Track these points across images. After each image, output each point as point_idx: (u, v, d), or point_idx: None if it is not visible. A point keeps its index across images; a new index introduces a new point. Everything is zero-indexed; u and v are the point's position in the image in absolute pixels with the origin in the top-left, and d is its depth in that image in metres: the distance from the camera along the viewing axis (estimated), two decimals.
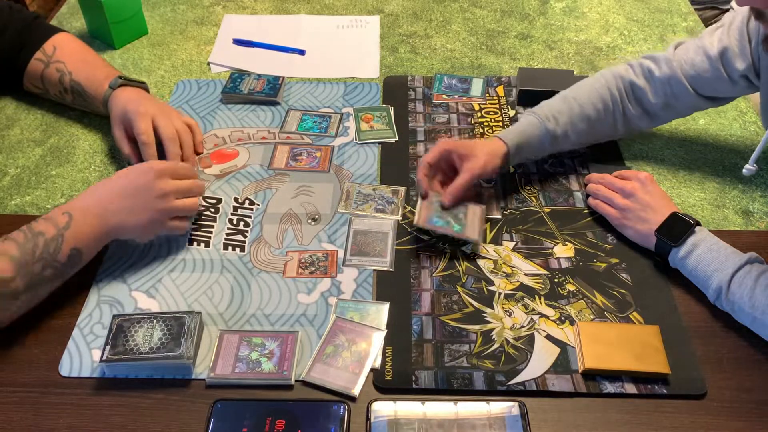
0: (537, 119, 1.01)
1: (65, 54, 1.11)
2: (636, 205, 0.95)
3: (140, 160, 1.01)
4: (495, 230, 0.98)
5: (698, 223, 0.91)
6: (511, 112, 1.19)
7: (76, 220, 0.83)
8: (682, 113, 1.08)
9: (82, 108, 1.14)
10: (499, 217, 1.00)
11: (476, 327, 0.86)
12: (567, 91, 1.05)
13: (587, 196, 1.02)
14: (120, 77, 1.07)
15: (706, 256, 0.87)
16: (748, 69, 0.96)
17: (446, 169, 0.99)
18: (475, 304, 0.89)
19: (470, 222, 0.95)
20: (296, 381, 0.80)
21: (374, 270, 0.93)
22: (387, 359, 0.82)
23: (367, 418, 0.76)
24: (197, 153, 1.09)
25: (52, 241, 0.81)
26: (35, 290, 0.81)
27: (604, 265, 0.94)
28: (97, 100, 1.08)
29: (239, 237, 0.97)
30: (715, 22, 1.72)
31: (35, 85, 1.14)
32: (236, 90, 1.20)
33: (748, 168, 0.98)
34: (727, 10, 1.74)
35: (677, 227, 0.91)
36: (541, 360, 0.83)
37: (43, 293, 0.83)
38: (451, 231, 0.93)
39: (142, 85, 1.10)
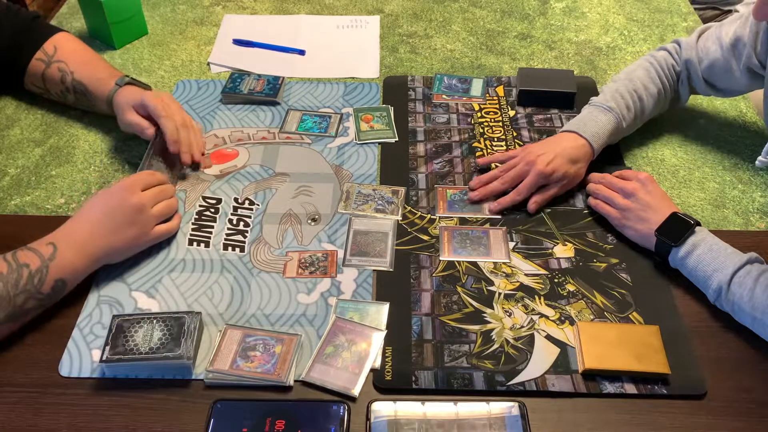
0: (615, 118, 1.04)
1: (66, 54, 1.11)
2: (636, 205, 0.95)
3: (159, 134, 1.03)
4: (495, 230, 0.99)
5: (698, 223, 0.91)
6: (511, 112, 1.19)
7: (61, 250, 0.83)
8: (698, 94, 1.13)
9: (84, 107, 1.14)
10: (499, 217, 1.00)
11: (476, 327, 0.86)
12: (628, 83, 1.07)
13: (587, 195, 1.02)
14: (126, 76, 1.09)
15: (706, 256, 0.87)
16: (750, 59, 0.98)
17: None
18: (475, 304, 0.89)
19: (494, 246, 0.96)
20: (296, 381, 0.80)
21: (374, 270, 0.93)
22: (387, 359, 0.82)
23: (367, 419, 0.76)
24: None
25: (36, 273, 0.80)
26: (16, 320, 0.81)
27: (604, 265, 0.94)
28: (100, 98, 1.08)
29: (239, 237, 0.97)
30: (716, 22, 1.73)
31: (36, 84, 1.14)
32: (236, 90, 1.20)
33: (761, 160, 0.98)
34: (729, 11, 1.73)
35: (677, 227, 0.91)
36: (541, 360, 0.83)
37: (25, 320, 0.83)
38: (479, 258, 0.94)
39: (146, 87, 1.11)
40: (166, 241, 0.96)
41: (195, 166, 1.07)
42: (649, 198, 0.95)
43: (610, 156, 1.10)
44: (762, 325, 0.82)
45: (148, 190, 0.91)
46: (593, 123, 1.03)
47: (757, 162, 0.98)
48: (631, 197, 0.96)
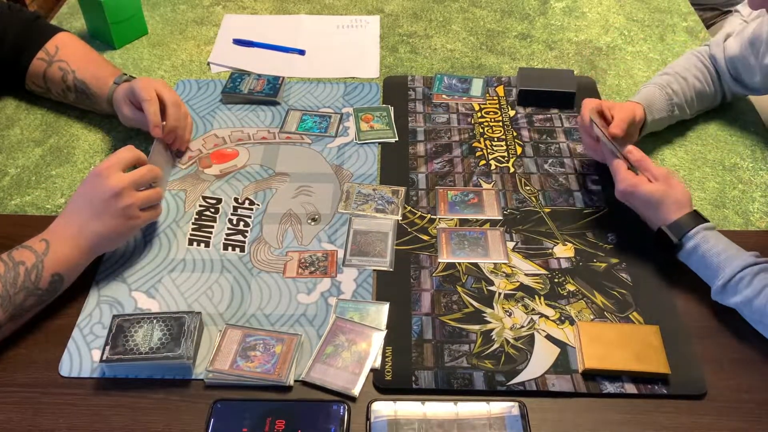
0: (655, 87, 1.09)
1: (68, 53, 1.11)
2: (665, 186, 0.92)
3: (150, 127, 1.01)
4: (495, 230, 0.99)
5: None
6: (511, 112, 1.19)
7: (53, 244, 0.83)
8: (734, 92, 1.16)
9: (84, 107, 1.14)
10: (500, 217, 1.00)
11: (476, 327, 0.86)
12: (667, 69, 1.14)
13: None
14: (124, 74, 1.09)
15: (723, 241, 0.87)
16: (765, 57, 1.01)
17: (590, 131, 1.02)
18: (475, 304, 0.89)
19: (492, 247, 0.95)
20: (296, 381, 0.80)
21: (374, 270, 0.93)
22: (387, 359, 0.82)
23: (367, 418, 0.76)
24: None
25: (32, 269, 0.80)
26: (18, 318, 0.81)
27: (604, 265, 0.94)
28: (101, 98, 1.08)
29: (239, 237, 0.97)
30: (715, 23, 1.73)
31: (37, 84, 1.14)
32: (236, 90, 1.20)
33: None
34: (728, 12, 1.73)
35: (693, 216, 0.90)
36: (541, 360, 0.83)
37: (26, 319, 0.83)
38: (478, 258, 0.94)
39: None
40: (166, 241, 0.96)
41: (180, 153, 1.09)
42: (679, 193, 0.92)
43: None
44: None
45: (130, 173, 0.88)
46: (637, 96, 1.09)
47: None
48: (665, 180, 0.92)
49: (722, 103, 1.18)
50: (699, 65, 1.13)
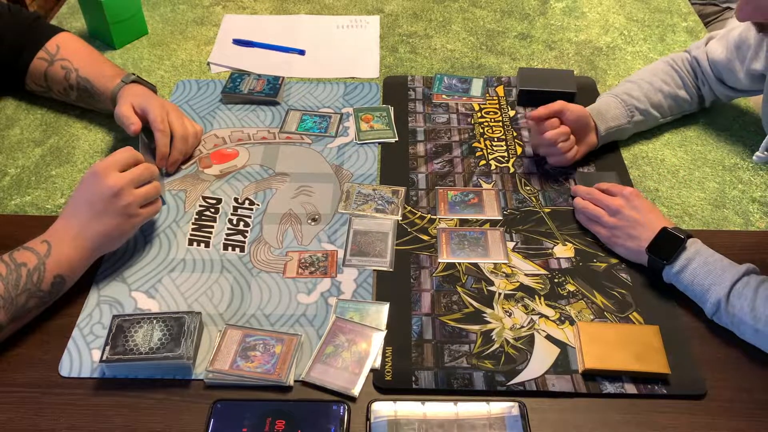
0: (610, 96, 1.10)
1: (69, 52, 1.11)
2: (623, 222, 0.92)
3: (145, 134, 1.02)
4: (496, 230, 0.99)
5: (689, 236, 0.88)
6: (511, 112, 1.19)
7: (55, 246, 0.83)
8: (719, 98, 1.15)
9: (86, 105, 1.14)
10: (500, 217, 1.00)
11: (476, 327, 0.86)
12: (631, 77, 1.15)
13: (575, 210, 1.00)
14: (132, 74, 1.09)
15: (701, 270, 0.85)
16: (752, 62, 1.01)
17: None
18: (475, 304, 0.89)
19: (492, 247, 0.95)
20: (296, 381, 0.80)
21: (374, 270, 0.93)
22: (387, 359, 0.82)
23: (367, 419, 0.76)
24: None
25: (34, 271, 0.80)
26: (20, 320, 0.81)
27: (604, 265, 0.94)
28: (104, 95, 1.08)
29: (239, 237, 0.97)
30: (715, 19, 1.73)
31: (38, 83, 1.14)
32: (236, 90, 1.20)
33: (759, 155, 0.97)
34: (726, 8, 1.74)
35: (669, 243, 0.88)
36: (541, 360, 0.83)
37: (27, 320, 0.83)
38: (478, 259, 0.94)
39: (152, 87, 1.11)
40: (166, 241, 0.96)
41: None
42: (636, 214, 0.92)
43: (610, 156, 1.10)
44: (765, 336, 0.80)
45: (127, 171, 0.87)
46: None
47: (754, 157, 0.98)
48: (617, 214, 0.93)
49: (701, 108, 1.17)
50: (667, 69, 1.12)
